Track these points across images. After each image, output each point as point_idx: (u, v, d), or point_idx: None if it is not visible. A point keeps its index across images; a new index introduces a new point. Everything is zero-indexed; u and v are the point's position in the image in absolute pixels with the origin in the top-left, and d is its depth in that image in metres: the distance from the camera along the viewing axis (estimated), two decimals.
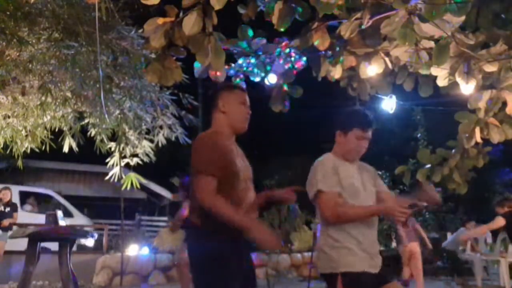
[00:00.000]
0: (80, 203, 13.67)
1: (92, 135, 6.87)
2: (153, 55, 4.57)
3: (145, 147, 7.18)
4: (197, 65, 3.25)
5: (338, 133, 2.56)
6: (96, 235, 5.11)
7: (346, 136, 2.51)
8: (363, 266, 2.33)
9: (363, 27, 2.92)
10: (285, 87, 3.78)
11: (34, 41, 5.19)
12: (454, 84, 3.30)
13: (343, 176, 2.44)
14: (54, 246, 5.25)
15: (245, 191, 2.15)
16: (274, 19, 3.01)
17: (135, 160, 7.34)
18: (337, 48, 3.38)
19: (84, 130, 6.83)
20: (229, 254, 2.05)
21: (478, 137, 3.90)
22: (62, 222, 5.12)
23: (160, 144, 7.21)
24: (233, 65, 3.73)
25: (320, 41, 3.20)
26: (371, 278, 2.33)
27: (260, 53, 3.64)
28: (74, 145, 6.78)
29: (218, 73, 3.21)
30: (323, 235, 2.45)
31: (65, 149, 6.77)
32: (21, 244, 5.10)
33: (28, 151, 6.73)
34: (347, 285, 2.28)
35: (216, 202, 2.01)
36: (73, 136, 6.75)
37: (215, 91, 2.36)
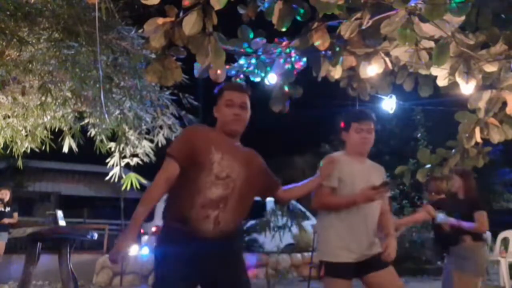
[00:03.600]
0: (80, 203, 13.68)
1: (92, 135, 6.86)
2: (153, 55, 4.57)
3: (145, 147, 7.18)
4: (197, 65, 3.25)
5: (343, 134, 2.78)
6: (96, 235, 5.10)
7: (348, 133, 2.74)
8: (344, 257, 2.52)
9: (363, 27, 2.92)
10: (286, 88, 3.78)
11: (34, 41, 5.19)
12: (454, 84, 3.30)
13: (345, 173, 2.62)
14: None
15: (210, 185, 2.07)
16: (274, 19, 3.01)
17: (135, 160, 7.34)
18: (337, 48, 3.37)
19: (84, 130, 6.82)
20: (172, 249, 2.05)
21: (478, 137, 3.90)
22: (62, 222, 5.12)
23: (160, 144, 7.21)
24: (233, 65, 3.73)
25: (320, 41, 3.20)
26: (350, 268, 2.52)
27: (260, 53, 3.64)
28: (74, 145, 6.78)
29: (218, 73, 3.21)
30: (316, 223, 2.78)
31: (65, 149, 6.77)
32: None
33: (28, 151, 6.73)
34: (327, 274, 2.55)
35: (152, 186, 2.08)
36: (73, 136, 6.74)
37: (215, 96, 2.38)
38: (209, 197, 2.05)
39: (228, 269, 2.13)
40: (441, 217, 4.14)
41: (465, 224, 4.03)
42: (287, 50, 3.54)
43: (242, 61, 3.67)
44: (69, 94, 5.91)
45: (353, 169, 2.65)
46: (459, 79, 3.11)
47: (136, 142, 7.07)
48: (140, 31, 5.52)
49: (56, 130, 6.65)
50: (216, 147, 2.13)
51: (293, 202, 9.16)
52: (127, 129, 6.81)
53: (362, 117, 2.74)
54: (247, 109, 2.29)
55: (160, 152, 7.40)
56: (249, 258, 8.99)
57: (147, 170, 7.97)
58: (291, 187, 2.54)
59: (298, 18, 3.09)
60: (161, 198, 2.12)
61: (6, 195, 8.10)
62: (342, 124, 2.77)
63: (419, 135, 14.83)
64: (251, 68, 3.69)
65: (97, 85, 5.44)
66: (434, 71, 3.28)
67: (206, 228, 2.04)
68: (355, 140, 2.70)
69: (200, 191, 2.05)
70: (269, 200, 2.89)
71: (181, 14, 2.66)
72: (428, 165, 4.42)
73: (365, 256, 2.57)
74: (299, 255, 10.04)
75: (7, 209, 8.01)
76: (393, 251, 2.55)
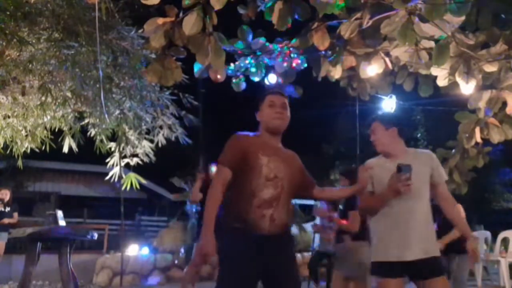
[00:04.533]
0: (80, 203, 13.68)
1: (92, 135, 6.86)
2: (153, 55, 4.57)
3: (145, 147, 7.18)
4: (197, 65, 3.25)
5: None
6: (96, 235, 5.10)
7: (387, 130, 2.66)
8: (391, 256, 2.47)
9: (363, 27, 2.92)
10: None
11: (34, 41, 5.18)
12: (454, 84, 3.30)
13: (377, 178, 2.59)
14: None
15: (262, 187, 2.27)
16: (274, 19, 3.01)
17: (135, 160, 7.34)
18: (337, 48, 3.38)
19: (84, 130, 6.82)
20: (236, 247, 2.20)
21: (478, 137, 3.90)
22: (62, 222, 5.12)
23: (160, 144, 7.21)
24: (233, 65, 3.73)
25: (320, 41, 3.20)
26: (393, 266, 2.47)
27: (260, 53, 3.64)
28: (74, 145, 6.77)
29: (218, 73, 3.21)
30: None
31: (65, 149, 6.77)
32: None
33: (28, 151, 6.73)
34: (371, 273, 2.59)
35: (212, 190, 2.24)
36: (73, 136, 6.74)
37: (255, 105, 2.51)
38: (263, 198, 2.26)
39: (284, 261, 2.32)
40: (317, 206, 4.11)
41: (341, 222, 4.03)
42: (285, 48, 3.54)
43: (241, 61, 3.68)
44: (69, 94, 5.90)
45: (384, 169, 2.57)
46: (459, 79, 3.11)
47: (136, 142, 7.07)
48: (140, 31, 5.51)
49: (56, 130, 6.65)
50: (262, 151, 2.33)
51: (292, 202, 9.15)
52: (127, 129, 6.81)
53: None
54: (288, 109, 2.47)
55: (160, 152, 7.41)
56: None
57: (147, 170, 7.98)
58: (327, 189, 2.71)
59: (298, 17, 3.09)
60: (220, 200, 2.27)
61: (6, 195, 8.10)
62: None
63: (419, 135, 14.83)
64: (251, 68, 3.69)
65: (97, 85, 5.44)
66: (434, 71, 3.28)
67: (263, 226, 2.24)
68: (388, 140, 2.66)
69: (254, 193, 2.26)
70: None
71: (181, 14, 2.66)
72: None
73: (414, 256, 2.45)
74: (299, 255, 10.05)
75: (7, 209, 8.00)
76: (476, 255, 2.53)
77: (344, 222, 4.05)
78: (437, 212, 2.66)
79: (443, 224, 4.11)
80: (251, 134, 2.43)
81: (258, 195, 2.25)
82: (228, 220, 2.27)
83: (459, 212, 2.83)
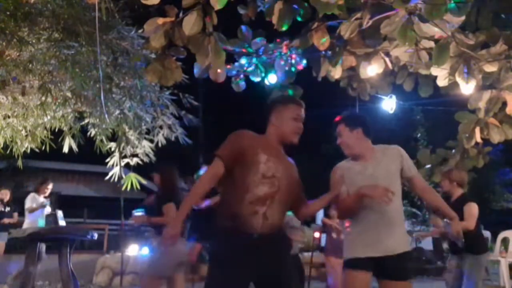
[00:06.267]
0: (80, 203, 13.67)
1: (92, 135, 6.86)
2: (153, 55, 4.57)
3: (145, 147, 7.17)
4: (197, 65, 3.25)
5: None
6: (96, 235, 5.10)
7: (352, 132, 2.64)
8: (359, 252, 2.50)
9: (363, 27, 2.92)
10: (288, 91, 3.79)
11: (34, 41, 5.18)
12: (454, 84, 3.30)
13: (348, 181, 2.58)
14: None
15: (258, 183, 2.19)
16: (274, 19, 3.01)
17: (135, 160, 7.34)
18: (337, 48, 3.38)
19: (84, 130, 6.81)
20: (226, 250, 2.16)
21: (478, 137, 3.91)
22: (62, 222, 5.12)
23: (160, 144, 7.21)
24: (233, 65, 3.73)
25: (320, 41, 3.20)
26: (358, 261, 2.50)
27: (261, 53, 3.64)
28: (74, 146, 6.77)
29: (218, 73, 3.21)
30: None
31: (65, 149, 6.76)
32: None
33: (28, 151, 6.72)
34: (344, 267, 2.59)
35: (202, 178, 2.26)
36: (73, 136, 6.74)
37: (270, 105, 2.46)
38: (257, 194, 2.18)
39: (277, 264, 2.23)
40: (134, 214, 4.04)
41: (154, 219, 3.96)
42: (288, 52, 3.54)
43: (242, 61, 3.67)
44: (69, 94, 5.90)
45: (354, 170, 2.60)
46: (459, 79, 3.11)
47: (136, 142, 7.07)
48: (140, 31, 5.51)
49: (56, 130, 6.64)
50: (263, 149, 2.27)
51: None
52: (127, 129, 6.80)
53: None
54: None
55: (160, 152, 7.41)
56: None
57: (147, 170, 7.98)
58: (310, 203, 2.61)
59: (298, 17, 3.09)
60: (205, 194, 2.28)
61: (6, 195, 8.09)
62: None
63: (419, 135, 14.84)
64: (250, 68, 3.69)
65: (97, 85, 5.44)
66: (434, 71, 3.28)
67: (255, 223, 2.16)
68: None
69: (248, 189, 2.18)
70: None
71: (181, 14, 2.66)
72: (428, 165, 4.42)
73: (381, 252, 2.47)
74: (300, 255, 10.04)
75: (7, 209, 8.00)
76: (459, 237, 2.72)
77: (158, 218, 3.95)
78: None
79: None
80: (254, 132, 2.37)
81: (252, 190, 2.17)
82: (219, 219, 2.23)
83: (440, 198, 2.78)
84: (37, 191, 6.89)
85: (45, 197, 6.90)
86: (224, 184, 2.27)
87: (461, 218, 3.86)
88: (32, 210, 6.69)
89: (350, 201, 2.52)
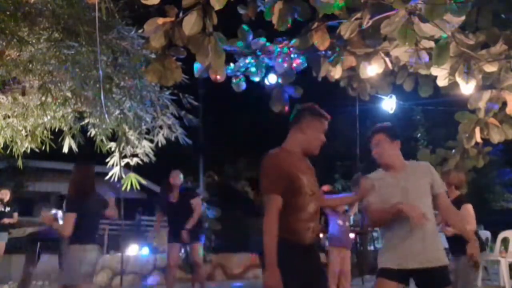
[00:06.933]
0: None
1: (92, 135, 6.86)
2: (153, 55, 4.57)
3: (145, 147, 7.17)
4: (197, 65, 3.25)
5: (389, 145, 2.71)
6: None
7: (392, 143, 2.70)
8: (392, 263, 2.57)
9: (363, 27, 2.92)
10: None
11: (34, 41, 5.18)
12: (454, 84, 3.30)
13: (378, 192, 2.64)
14: None
15: (308, 202, 2.43)
16: (274, 19, 3.01)
17: (135, 160, 7.34)
18: (337, 48, 3.38)
19: (84, 130, 6.81)
20: (289, 257, 2.34)
21: (478, 137, 3.91)
22: (62, 222, 5.12)
23: (160, 144, 7.20)
24: (233, 65, 3.73)
25: (320, 41, 3.20)
26: (392, 272, 2.56)
27: (260, 53, 3.64)
28: (74, 145, 6.77)
29: (218, 73, 3.21)
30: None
31: (65, 149, 6.76)
32: None
33: (28, 151, 6.72)
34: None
35: (269, 223, 2.33)
36: (73, 136, 6.73)
37: (303, 110, 2.56)
38: (309, 211, 2.44)
39: (319, 267, 2.57)
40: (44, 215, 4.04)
41: (55, 224, 3.95)
42: (285, 49, 3.54)
43: (241, 61, 3.67)
44: (69, 94, 5.90)
45: (386, 181, 2.66)
46: (459, 79, 3.11)
47: (136, 142, 7.06)
48: (140, 31, 5.51)
49: (56, 130, 6.64)
50: (300, 171, 2.44)
51: None
52: (127, 129, 6.80)
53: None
54: None
55: (160, 152, 7.41)
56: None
57: (147, 170, 7.98)
58: (328, 197, 2.86)
59: (298, 17, 3.09)
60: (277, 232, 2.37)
61: (6, 195, 8.09)
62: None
63: (419, 135, 14.85)
64: (250, 68, 3.69)
65: (97, 85, 5.43)
66: (434, 71, 3.28)
67: (307, 237, 2.44)
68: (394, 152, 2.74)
69: (302, 208, 2.42)
70: None
71: (181, 14, 2.66)
72: None
73: (417, 264, 2.52)
74: None
75: (7, 209, 8.00)
76: (477, 257, 2.68)
77: (57, 225, 3.94)
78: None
79: None
80: (284, 153, 2.48)
81: (306, 209, 2.42)
82: (280, 233, 2.35)
83: (462, 219, 2.93)
84: None
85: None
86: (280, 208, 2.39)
87: None
88: None
89: (385, 213, 2.59)
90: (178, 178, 6.11)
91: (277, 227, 2.34)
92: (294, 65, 3.61)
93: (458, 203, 4.04)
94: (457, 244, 4.20)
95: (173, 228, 6.14)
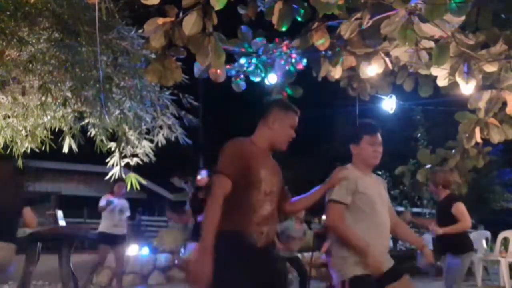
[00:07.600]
0: (80, 203, 13.67)
1: (92, 135, 6.86)
2: (153, 55, 4.57)
3: (145, 147, 7.17)
4: (197, 65, 3.25)
5: (352, 146, 2.70)
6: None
7: (359, 146, 2.66)
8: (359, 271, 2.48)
9: (363, 27, 2.92)
10: (287, 91, 3.79)
11: (34, 41, 5.18)
12: (454, 84, 3.30)
13: (361, 186, 2.57)
14: None
15: (261, 203, 2.21)
16: (274, 19, 3.01)
17: (135, 160, 7.33)
18: (337, 48, 3.38)
19: (84, 130, 6.81)
20: (231, 256, 2.12)
21: (478, 137, 3.91)
22: (62, 222, 5.13)
23: (160, 144, 7.21)
24: (233, 65, 3.73)
25: (320, 41, 3.20)
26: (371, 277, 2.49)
27: (261, 53, 3.64)
28: (74, 146, 6.77)
29: (218, 73, 3.21)
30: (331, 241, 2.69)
31: (65, 149, 6.76)
32: None
33: (28, 151, 6.72)
34: None
35: (212, 204, 2.11)
36: (73, 136, 6.73)
37: (271, 105, 2.42)
38: (262, 214, 2.21)
39: (274, 271, 2.29)
40: None
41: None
42: (288, 52, 3.54)
43: (242, 61, 3.67)
44: (69, 94, 5.90)
45: (367, 182, 2.61)
46: (459, 79, 3.11)
47: (136, 142, 7.06)
48: (140, 31, 5.51)
49: (56, 130, 6.64)
50: (261, 164, 2.25)
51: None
52: (127, 129, 6.80)
53: (374, 130, 2.69)
54: None
55: (160, 152, 7.41)
56: None
57: (147, 170, 7.97)
58: (297, 200, 2.57)
59: (298, 17, 3.09)
60: (219, 215, 2.13)
61: None
62: (352, 137, 2.72)
63: (419, 135, 14.83)
64: (250, 68, 3.69)
65: (97, 85, 5.44)
66: (434, 71, 3.28)
67: (259, 241, 2.20)
68: (368, 153, 2.64)
69: (255, 209, 2.19)
70: None
71: (181, 14, 2.66)
72: (428, 165, 4.42)
73: (386, 266, 2.55)
74: (299, 255, 10.04)
75: None
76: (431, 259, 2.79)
77: None
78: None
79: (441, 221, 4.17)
80: (247, 141, 2.33)
81: (258, 211, 2.19)
82: (224, 231, 2.12)
83: (407, 228, 3.03)
84: None
85: None
86: (228, 199, 2.15)
87: (448, 217, 4.03)
88: None
89: (353, 241, 2.51)
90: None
91: (220, 211, 2.08)
92: (298, 68, 3.62)
93: (448, 201, 4.15)
94: (444, 244, 4.25)
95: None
